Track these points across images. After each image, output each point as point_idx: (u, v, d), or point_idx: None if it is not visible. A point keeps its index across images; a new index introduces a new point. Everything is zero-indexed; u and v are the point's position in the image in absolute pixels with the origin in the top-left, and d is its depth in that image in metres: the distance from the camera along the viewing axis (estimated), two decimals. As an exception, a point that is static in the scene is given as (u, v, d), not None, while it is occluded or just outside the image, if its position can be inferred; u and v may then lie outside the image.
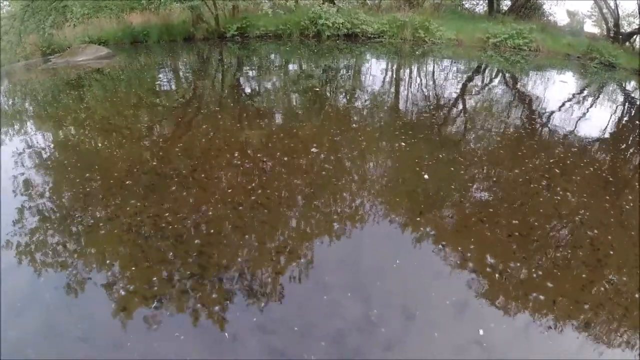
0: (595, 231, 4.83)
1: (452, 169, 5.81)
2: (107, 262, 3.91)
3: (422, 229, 4.59)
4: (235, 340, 3.21)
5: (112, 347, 3.12)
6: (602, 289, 4.05)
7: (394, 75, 11.03)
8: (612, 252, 4.54)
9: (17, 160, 5.71)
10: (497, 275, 4.04)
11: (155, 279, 3.70)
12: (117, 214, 4.56)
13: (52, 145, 6.33)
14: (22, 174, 5.35)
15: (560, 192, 5.46)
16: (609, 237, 4.78)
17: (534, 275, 4.07)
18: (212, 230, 4.32)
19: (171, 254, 3.99)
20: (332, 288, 3.75)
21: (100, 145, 6.24)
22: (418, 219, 4.76)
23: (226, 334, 3.24)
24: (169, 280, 3.70)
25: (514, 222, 4.81)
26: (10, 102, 8.43)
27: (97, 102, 8.21)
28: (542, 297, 3.83)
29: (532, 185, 5.57)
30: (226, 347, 3.15)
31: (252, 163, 5.63)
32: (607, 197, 5.59)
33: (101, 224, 4.41)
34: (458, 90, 9.92)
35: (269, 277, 3.83)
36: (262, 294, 3.65)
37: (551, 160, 6.36)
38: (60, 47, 13.71)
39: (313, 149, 6.07)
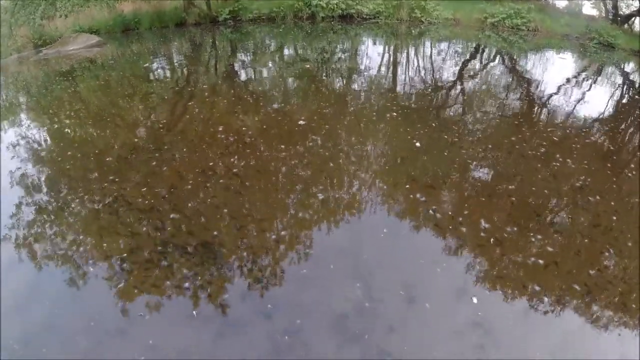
0: (597, 197, 4.60)
1: (446, 136, 5.57)
2: (80, 235, 3.74)
3: (411, 196, 4.36)
4: (199, 315, 3.02)
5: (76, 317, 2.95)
6: (607, 253, 3.82)
7: (390, 56, 10.73)
8: (615, 217, 4.30)
9: (8, 144, 5.58)
10: (492, 239, 3.82)
11: (124, 253, 3.52)
12: (95, 187, 4.39)
13: (41, 132, 6.16)
14: (19, 165, 5.20)
15: (560, 159, 5.20)
16: (612, 203, 4.54)
17: (533, 240, 3.84)
18: (189, 204, 4.13)
19: (145, 228, 3.81)
20: (316, 255, 3.55)
21: (84, 127, 6.05)
22: (407, 186, 4.53)
23: (194, 312, 3.05)
24: (138, 252, 3.52)
25: (510, 187, 4.57)
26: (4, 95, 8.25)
27: (82, 88, 8.02)
28: (540, 262, 3.61)
29: (529, 152, 5.32)
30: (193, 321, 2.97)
31: (236, 136, 5.42)
32: (609, 165, 5.34)
33: (77, 199, 4.24)
34: (456, 69, 9.62)
35: (245, 249, 3.63)
36: (234, 266, 3.45)
37: (549, 129, 6.10)
38: (52, 38, 13.50)
39: (301, 121, 5.84)
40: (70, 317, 3.01)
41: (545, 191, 4.57)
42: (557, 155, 5.28)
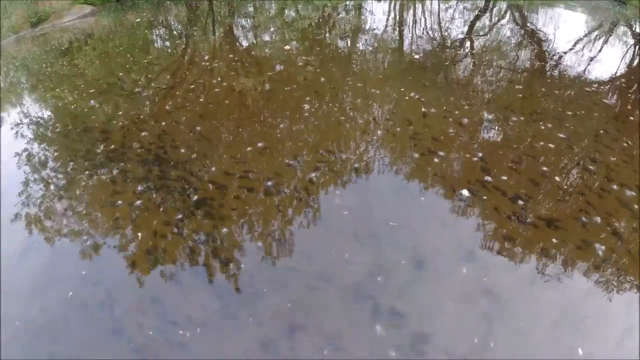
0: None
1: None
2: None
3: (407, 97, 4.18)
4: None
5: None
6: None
7: (396, 16, 10.33)
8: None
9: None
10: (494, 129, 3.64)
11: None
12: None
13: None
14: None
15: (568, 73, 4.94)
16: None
17: (542, 127, 3.65)
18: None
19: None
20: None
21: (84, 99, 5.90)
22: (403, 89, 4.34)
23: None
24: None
25: (517, 87, 4.34)
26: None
27: (79, 59, 7.91)
28: (551, 146, 3.41)
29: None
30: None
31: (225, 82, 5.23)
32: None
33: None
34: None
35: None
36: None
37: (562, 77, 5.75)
38: (47, 15, 13.40)
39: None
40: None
41: (556, 91, 4.36)
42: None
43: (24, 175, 4.17)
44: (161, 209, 3.27)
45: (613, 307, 2.70)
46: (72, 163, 4.31)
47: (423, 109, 4.04)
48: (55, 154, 4.52)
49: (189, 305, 2.67)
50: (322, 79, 4.81)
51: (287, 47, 5.41)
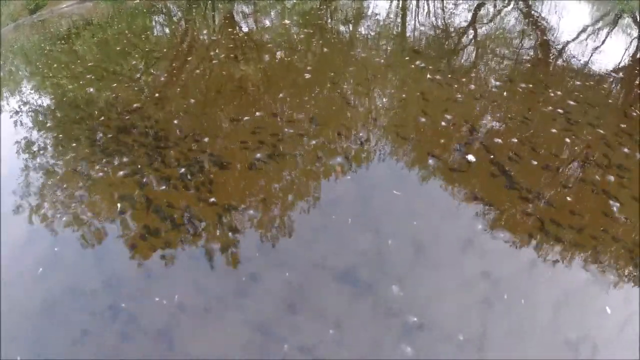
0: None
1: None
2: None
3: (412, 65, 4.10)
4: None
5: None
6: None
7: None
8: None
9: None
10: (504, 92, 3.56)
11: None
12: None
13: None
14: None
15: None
16: None
17: (552, 95, 3.58)
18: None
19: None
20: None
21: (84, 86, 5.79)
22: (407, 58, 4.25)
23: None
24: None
25: (526, 62, 4.28)
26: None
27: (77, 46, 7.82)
28: (560, 111, 3.33)
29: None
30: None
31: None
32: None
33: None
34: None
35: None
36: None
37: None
38: (45, 2, 13.31)
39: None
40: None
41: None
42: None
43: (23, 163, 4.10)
44: (153, 183, 3.19)
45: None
46: (61, 136, 4.24)
47: (428, 76, 3.97)
48: (50, 125, 4.45)
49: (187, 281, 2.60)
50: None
51: (287, 21, 5.34)
